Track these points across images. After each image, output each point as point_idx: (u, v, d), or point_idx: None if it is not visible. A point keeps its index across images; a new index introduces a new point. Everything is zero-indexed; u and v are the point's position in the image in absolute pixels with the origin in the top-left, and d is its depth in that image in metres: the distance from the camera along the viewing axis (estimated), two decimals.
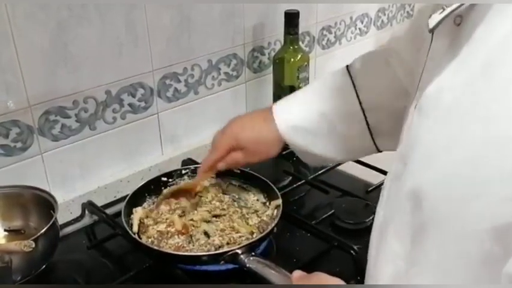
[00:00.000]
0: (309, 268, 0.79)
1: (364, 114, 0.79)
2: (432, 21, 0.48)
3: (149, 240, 0.84)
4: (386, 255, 0.55)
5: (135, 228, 0.87)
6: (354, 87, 0.80)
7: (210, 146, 1.15)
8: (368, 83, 0.79)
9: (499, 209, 0.41)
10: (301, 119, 0.80)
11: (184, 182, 0.97)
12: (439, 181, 0.46)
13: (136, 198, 0.92)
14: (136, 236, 0.84)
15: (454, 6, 0.46)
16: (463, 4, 0.46)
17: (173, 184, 0.98)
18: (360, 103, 0.79)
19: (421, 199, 0.47)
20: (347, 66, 0.83)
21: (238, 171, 0.98)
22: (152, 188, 0.96)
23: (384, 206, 0.59)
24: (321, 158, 0.85)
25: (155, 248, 0.82)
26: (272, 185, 0.93)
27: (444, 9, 0.47)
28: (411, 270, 0.51)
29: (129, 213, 0.89)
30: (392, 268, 0.54)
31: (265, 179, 0.95)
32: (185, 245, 0.83)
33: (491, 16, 0.44)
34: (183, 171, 0.99)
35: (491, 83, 0.42)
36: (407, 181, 0.51)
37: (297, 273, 0.67)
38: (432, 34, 0.52)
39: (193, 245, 0.83)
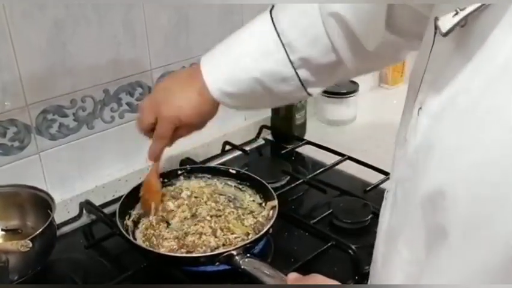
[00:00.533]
0: (306, 267, 0.80)
1: (296, 72, 0.78)
2: (445, 25, 0.47)
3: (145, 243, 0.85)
4: (395, 262, 0.54)
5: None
6: (284, 47, 0.77)
7: (209, 146, 1.18)
8: (299, 43, 0.77)
9: None
10: (236, 87, 0.79)
11: (145, 180, 0.92)
12: (461, 184, 0.45)
13: (131, 198, 0.92)
14: (131, 237, 0.84)
15: (470, 9, 0.45)
16: (481, 6, 0.45)
17: (169, 184, 0.97)
18: (291, 63, 0.77)
19: (441, 202, 0.46)
20: (272, 20, 0.78)
21: (234, 172, 0.98)
22: None
23: (390, 212, 0.58)
24: (255, 108, 0.89)
25: (151, 249, 0.82)
26: (268, 186, 0.93)
27: (457, 12, 0.46)
28: (425, 277, 0.50)
29: (124, 214, 0.88)
30: (402, 275, 0.54)
31: (261, 179, 0.95)
32: (179, 247, 0.83)
33: (508, 20, 0.43)
34: (179, 172, 0.99)
35: (511, 85, 0.42)
36: (422, 185, 0.49)
37: (293, 275, 0.67)
38: (435, 36, 0.51)
39: (188, 247, 0.83)
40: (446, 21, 0.47)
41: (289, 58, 0.77)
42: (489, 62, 0.44)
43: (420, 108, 0.52)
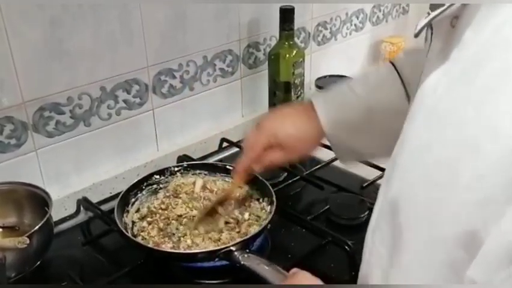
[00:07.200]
0: (303, 263, 0.80)
1: None
2: (417, 27, 0.48)
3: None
4: (375, 258, 0.56)
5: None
6: (402, 80, 0.76)
7: (206, 143, 1.18)
8: (415, 76, 0.77)
9: (464, 215, 0.41)
10: (346, 112, 0.76)
11: (220, 193, 0.92)
12: (416, 185, 0.46)
13: (129, 196, 0.92)
14: (129, 234, 0.84)
15: (437, 12, 0.46)
16: (447, 9, 0.45)
17: (166, 182, 0.97)
18: (407, 96, 0.75)
19: (400, 202, 0.48)
20: (391, 62, 0.80)
21: (232, 168, 0.98)
22: (144, 185, 0.95)
23: (376, 208, 0.59)
24: (359, 153, 0.81)
25: (150, 246, 0.82)
26: (266, 182, 0.93)
27: (429, 14, 0.47)
28: (390, 273, 0.51)
29: (123, 211, 0.89)
30: (380, 271, 0.54)
31: (259, 175, 0.94)
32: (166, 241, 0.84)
33: (478, 20, 0.43)
34: (176, 169, 0.99)
35: (468, 88, 0.42)
36: (392, 185, 0.51)
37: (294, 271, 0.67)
38: (432, 36, 0.52)
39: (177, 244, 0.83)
40: (419, 23, 0.47)
41: (406, 90, 0.75)
42: (455, 63, 0.45)
43: None
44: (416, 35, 0.48)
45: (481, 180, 0.40)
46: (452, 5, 0.45)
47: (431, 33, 0.51)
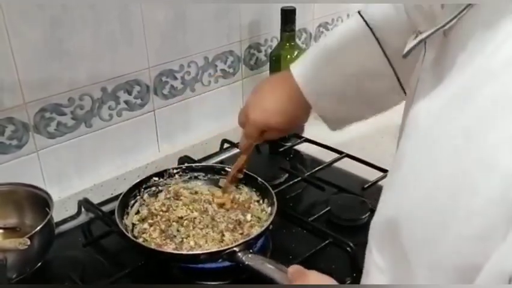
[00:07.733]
0: (305, 265, 0.79)
1: (393, 68, 0.75)
2: (407, 47, 0.47)
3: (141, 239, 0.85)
4: (373, 268, 0.55)
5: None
6: (378, 42, 0.76)
7: (207, 144, 1.18)
8: (393, 38, 0.74)
9: (461, 247, 0.40)
10: (330, 86, 0.77)
11: (233, 167, 0.95)
12: (413, 210, 0.45)
13: (128, 198, 0.92)
14: (130, 235, 0.84)
15: (427, 33, 0.45)
16: (439, 29, 0.44)
17: (165, 184, 0.97)
18: (387, 58, 0.75)
19: (397, 226, 0.46)
20: (363, 18, 0.77)
21: (230, 170, 0.98)
22: (143, 187, 0.95)
23: (374, 220, 0.59)
24: (348, 119, 0.84)
25: (153, 248, 0.82)
26: (265, 183, 0.93)
27: (417, 35, 0.46)
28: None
29: (122, 213, 0.88)
30: (378, 281, 0.54)
31: (257, 177, 0.94)
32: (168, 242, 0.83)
33: (473, 43, 0.42)
34: (174, 171, 0.99)
35: (459, 116, 0.41)
36: (388, 203, 0.50)
37: (293, 268, 0.67)
38: (425, 44, 0.51)
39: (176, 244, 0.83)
40: (408, 43, 0.46)
41: (384, 52, 0.75)
42: (450, 85, 0.43)
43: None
44: (405, 56, 0.47)
45: (477, 215, 0.38)
46: (443, 26, 0.44)
47: (425, 42, 0.51)
